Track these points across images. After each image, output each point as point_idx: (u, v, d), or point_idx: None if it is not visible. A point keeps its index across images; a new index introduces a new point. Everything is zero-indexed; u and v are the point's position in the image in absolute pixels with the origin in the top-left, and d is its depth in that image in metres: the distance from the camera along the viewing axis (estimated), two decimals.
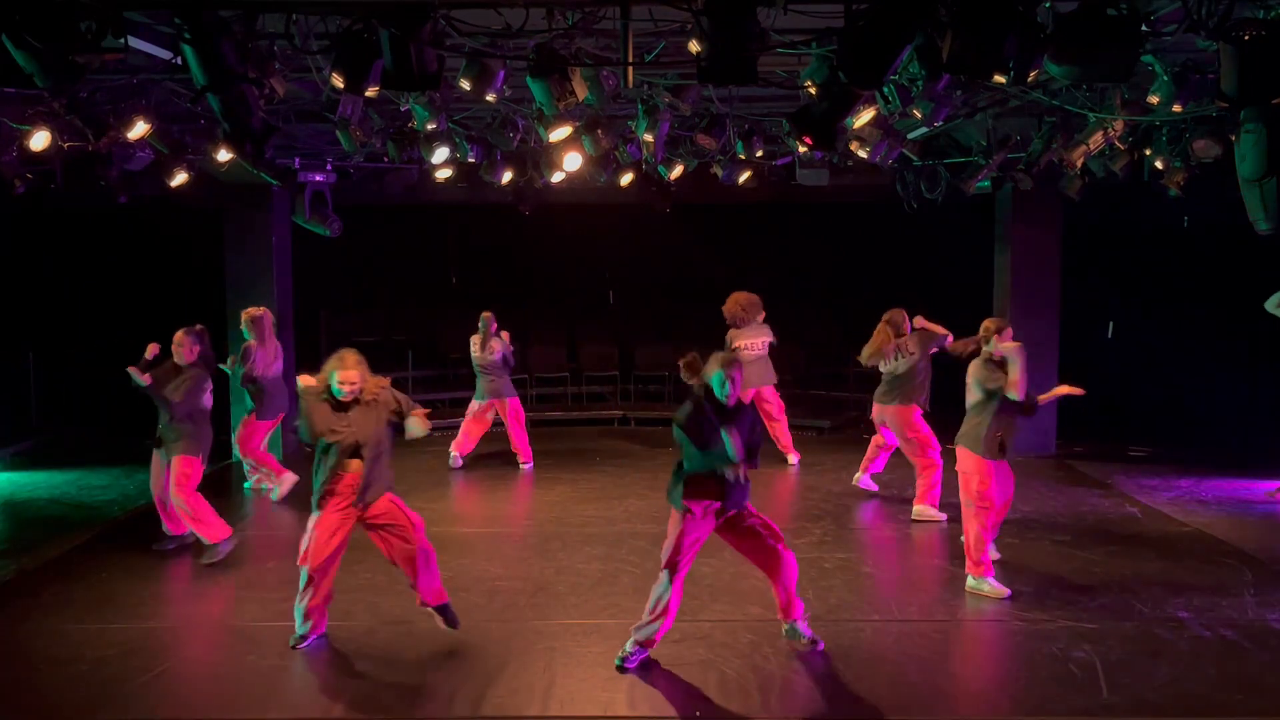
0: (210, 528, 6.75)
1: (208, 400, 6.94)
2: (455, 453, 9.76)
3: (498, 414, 9.73)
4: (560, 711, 4.69)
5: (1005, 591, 6.05)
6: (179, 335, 6.85)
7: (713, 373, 4.99)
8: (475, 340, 9.57)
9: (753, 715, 4.68)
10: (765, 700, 4.79)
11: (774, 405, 9.57)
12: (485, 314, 9.60)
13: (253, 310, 8.51)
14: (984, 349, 6.28)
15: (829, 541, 7.28)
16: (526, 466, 9.74)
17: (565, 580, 6.47)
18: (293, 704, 4.84)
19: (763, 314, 9.40)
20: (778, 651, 5.27)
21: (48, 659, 5.29)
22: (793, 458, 9.79)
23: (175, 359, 6.82)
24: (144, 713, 4.74)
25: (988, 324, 6.32)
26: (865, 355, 8.05)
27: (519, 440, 9.77)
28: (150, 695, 4.90)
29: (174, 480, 6.71)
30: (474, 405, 9.75)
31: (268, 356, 8.44)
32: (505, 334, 9.65)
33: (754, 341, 9.31)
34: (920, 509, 7.85)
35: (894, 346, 7.84)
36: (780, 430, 9.71)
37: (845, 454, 10.30)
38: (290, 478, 8.56)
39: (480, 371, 9.60)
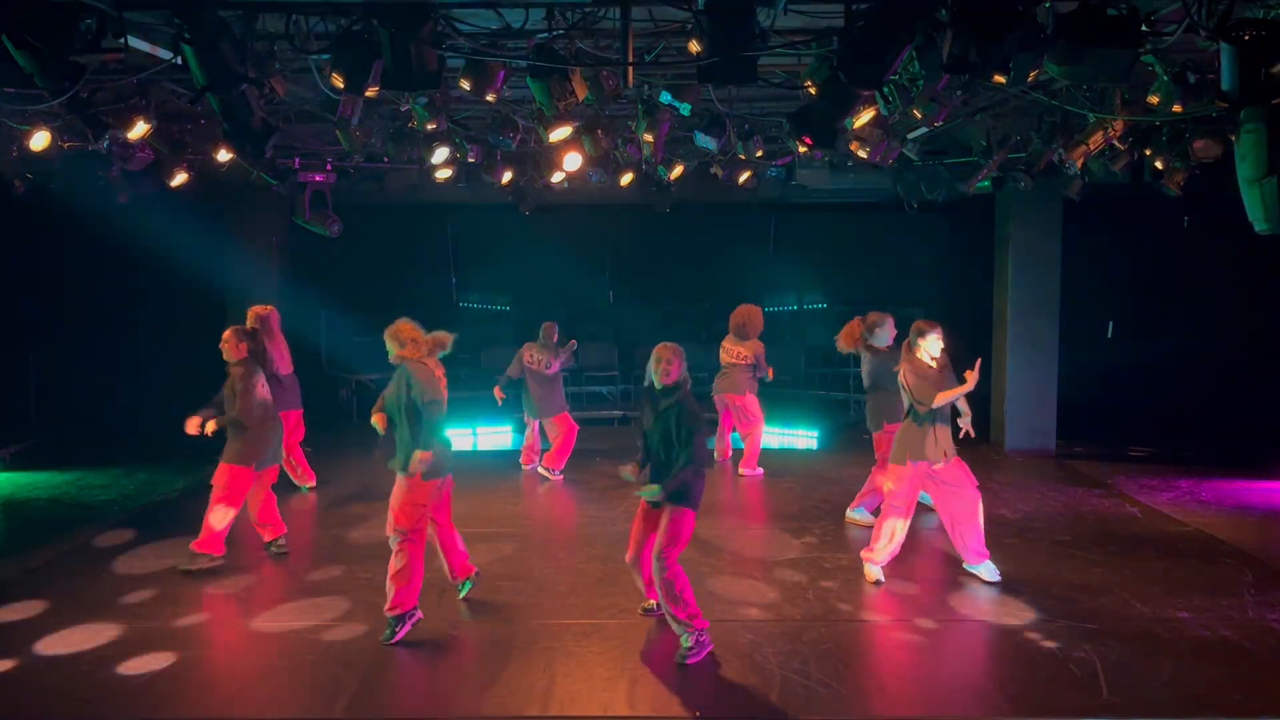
0: (210, 541, 6.59)
1: (263, 391, 6.68)
2: (527, 466, 9.72)
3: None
4: (560, 711, 4.69)
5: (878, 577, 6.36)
6: (228, 333, 6.70)
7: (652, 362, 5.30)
8: (531, 349, 9.19)
9: (753, 715, 4.68)
10: (765, 700, 4.79)
11: (750, 412, 9.31)
12: (547, 324, 9.24)
13: (259, 308, 8.40)
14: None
15: (829, 541, 7.28)
16: (554, 475, 9.38)
17: (565, 580, 6.47)
18: (293, 704, 4.84)
19: (757, 326, 9.26)
20: (778, 651, 5.27)
21: (49, 659, 5.29)
22: (746, 471, 9.40)
23: (224, 356, 6.68)
24: (144, 713, 4.74)
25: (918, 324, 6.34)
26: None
27: (559, 447, 9.35)
28: (150, 695, 4.89)
29: (216, 487, 6.56)
30: (527, 419, 9.59)
31: (279, 353, 8.45)
32: (573, 341, 9.39)
33: (734, 349, 9.27)
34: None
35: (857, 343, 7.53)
36: (752, 439, 9.39)
37: (845, 455, 10.30)
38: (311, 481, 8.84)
39: (529, 382, 9.19)
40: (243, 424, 6.56)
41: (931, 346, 6.17)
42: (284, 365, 8.50)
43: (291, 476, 8.76)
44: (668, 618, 5.25)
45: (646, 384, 5.37)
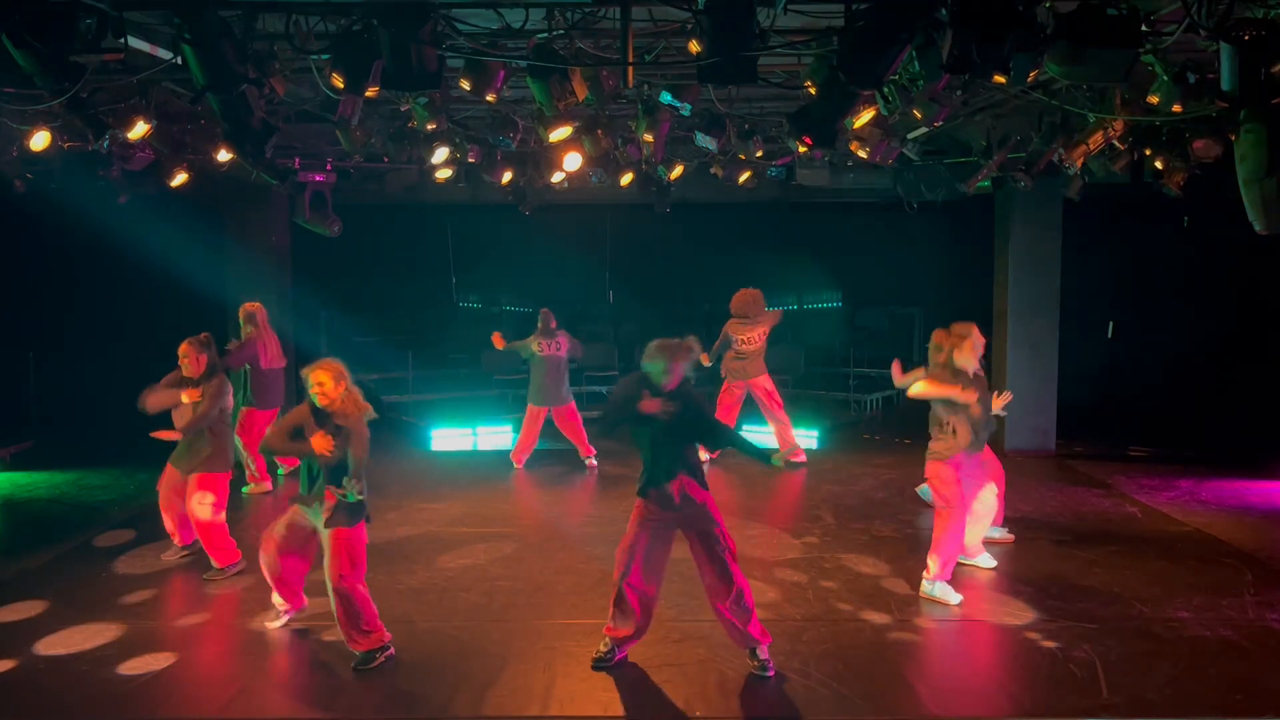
0: (222, 552, 6.55)
1: (229, 404, 6.62)
2: (517, 465, 9.79)
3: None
4: (560, 711, 4.69)
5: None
6: (184, 347, 6.44)
7: (655, 362, 4.96)
8: (534, 338, 9.43)
9: (753, 715, 4.68)
10: (765, 700, 4.78)
11: (773, 400, 9.48)
12: (544, 310, 9.48)
13: (249, 305, 8.69)
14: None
15: (829, 541, 7.28)
16: (591, 462, 9.74)
17: (565, 580, 6.47)
18: (292, 704, 4.84)
19: (763, 308, 9.51)
20: (778, 651, 5.26)
21: (48, 659, 5.29)
22: (795, 459, 9.64)
23: (183, 371, 6.46)
24: (144, 713, 4.74)
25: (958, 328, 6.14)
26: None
27: (578, 438, 9.71)
28: (150, 695, 4.89)
29: (199, 501, 6.43)
30: (530, 410, 9.66)
31: (268, 348, 8.64)
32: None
33: (751, 335, 9.38)
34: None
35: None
36: (783, 429, 9.56)
37: (845, 455, 10.31)
38: (268, 486, 8.86)
39: (538, 370, 9.43)
40: (207, 431, 6.42)
41: (964, 355, 6.05)
42: (267, 360, 8.66)
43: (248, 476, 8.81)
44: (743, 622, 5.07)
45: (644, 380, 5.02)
